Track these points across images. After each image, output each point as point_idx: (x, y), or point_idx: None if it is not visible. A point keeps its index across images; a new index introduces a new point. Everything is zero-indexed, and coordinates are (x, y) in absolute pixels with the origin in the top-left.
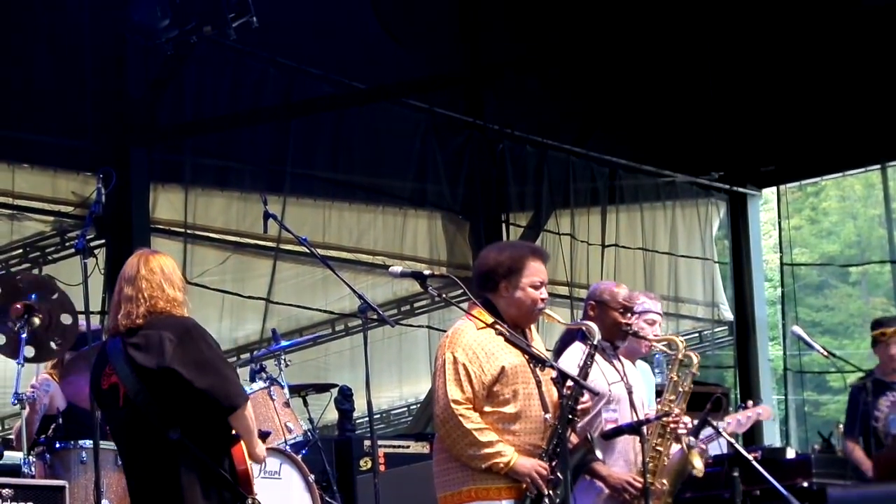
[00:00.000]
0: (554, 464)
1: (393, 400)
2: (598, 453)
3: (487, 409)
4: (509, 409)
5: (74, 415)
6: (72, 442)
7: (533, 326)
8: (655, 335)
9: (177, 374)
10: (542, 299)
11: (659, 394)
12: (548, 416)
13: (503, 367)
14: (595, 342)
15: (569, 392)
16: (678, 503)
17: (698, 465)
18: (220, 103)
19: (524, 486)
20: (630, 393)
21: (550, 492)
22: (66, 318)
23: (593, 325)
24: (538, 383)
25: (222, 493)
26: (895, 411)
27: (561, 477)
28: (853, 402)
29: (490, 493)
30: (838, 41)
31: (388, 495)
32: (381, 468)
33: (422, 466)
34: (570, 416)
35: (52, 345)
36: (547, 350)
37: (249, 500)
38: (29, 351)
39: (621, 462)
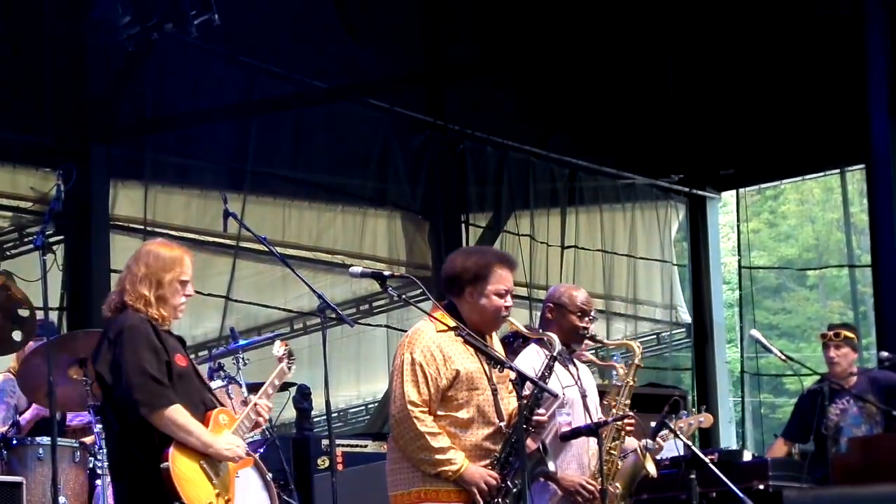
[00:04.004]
0: (505, 472)
1: (351, 399)
2: (550, 464)
3: (441, 412)
4: (462, 414)
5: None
6: (28, 438)
7: (494, 333)
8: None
9: (103, 378)
10: (507, 307)
11: (601, 395)
12: (502, 423)
13: (458, 372)
14: (555, 353)
15: (528, 395)
16: None
17: (651, 469)
18: (181, 101)
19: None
20: (584, 397)
21: (499, 500)
22: (23, 312)
23: (554, 337)
24: (494, 391)
25: (146, 490)
26: (845, 418)
27: (511, 486)
28: (800, 405)
29: (440, 496)
30: (798, 46)
31: (345, 494)
32: (339, 467)
33: (379, 465)
34: (526, 425)
35: (15, 337)
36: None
37: None
38: None
39: (574, 465)
